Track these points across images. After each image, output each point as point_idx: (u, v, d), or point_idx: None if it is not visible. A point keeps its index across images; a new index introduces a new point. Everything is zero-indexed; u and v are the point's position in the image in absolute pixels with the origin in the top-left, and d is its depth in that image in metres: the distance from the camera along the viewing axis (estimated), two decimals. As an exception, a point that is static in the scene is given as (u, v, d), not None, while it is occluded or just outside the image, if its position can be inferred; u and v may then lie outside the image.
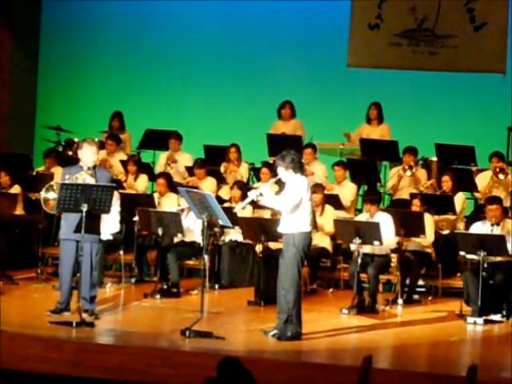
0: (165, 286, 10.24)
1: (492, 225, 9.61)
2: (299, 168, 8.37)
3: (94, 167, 8.77)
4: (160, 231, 10.13)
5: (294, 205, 8.21)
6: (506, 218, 9.94)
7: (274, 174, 8.84)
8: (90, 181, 8.58)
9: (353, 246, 9.72)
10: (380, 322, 9.38)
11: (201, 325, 8.32)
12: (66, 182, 8.49)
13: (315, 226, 10.44)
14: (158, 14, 14.56)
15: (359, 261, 9.64)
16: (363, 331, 8.94)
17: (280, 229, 8.38)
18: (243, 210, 10.35)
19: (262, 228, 9.99)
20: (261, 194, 8.30)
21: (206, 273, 10.18)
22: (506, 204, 11.06)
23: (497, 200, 9.84)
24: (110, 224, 10.28)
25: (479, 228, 9.71)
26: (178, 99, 14.40)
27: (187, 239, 10.48)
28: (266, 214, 10.49)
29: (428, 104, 13.63)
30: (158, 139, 12.83)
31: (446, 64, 13.69)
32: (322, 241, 10.73)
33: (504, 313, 9.47)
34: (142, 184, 11.98)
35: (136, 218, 10.55)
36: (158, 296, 10.02)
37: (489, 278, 9.39)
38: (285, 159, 8.27)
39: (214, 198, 8.69)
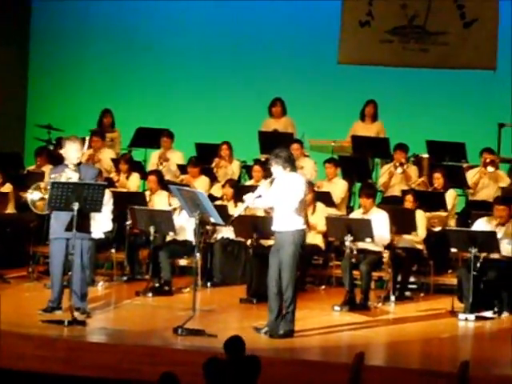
0: (157, 284, 10.23)
1: (497, 225, 9.56)
2: (294, 166, 8.38)
3: (79, 164, 8.74)
4: (152, 229, 10.12)
5: (298, 204, 8.20)
6: None
7: (266, 171, 8.83)
8: (75, 178, 8.54)
9: (347, 243, 9.72)
10: (372, 318, 9.39)
11: (193, 323, 8.32)
12: (56, 180, 8.46)
13: (308, 224, 10.45)
14: (149, 13, 14.53)
15: (353, 258, 9.64)
16: (355, 328, 8.95)
17: (275, 227, 8.37)
18: (235, 208, 10.35)
19: (255, 225, 9.99)
20: (259, 197, 8.28)
21: (198, 271, 10.17)
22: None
23: (506, 201, 9.70)
24: (102, 222, 10.26)
25: (483, 225, 9.67)
26: (170, 97, 14.38)
27: (179, 237, 10.48)
28: (259, 212, 10.49)
29: (419, 101, 13.65)
30: (149, 137, 12.81)
31: (437, 61, 13.72)
32: (314, 238, 10.73)
33: (495, 309, 9.49)
34: (133, 182, 11.97)
35: (129, 222, 10.55)
36: (150, 294, 10.01)
37: (482, 274, 9.40)
38: (281, 157, 8.24)
39: (206, 196, 8.69)
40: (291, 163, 8.27)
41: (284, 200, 8.23)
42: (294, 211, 8.21)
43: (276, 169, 8.29)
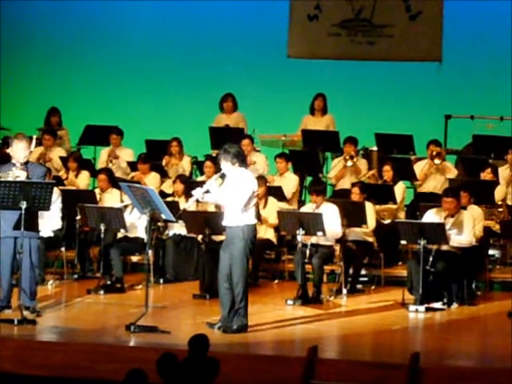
0: (108, 282, 10.18)
1: (446, 217, 9.63)
2: (244, 161, 8.38)
3: (27, 163, 8.64)
4: (102, 227, 10.05)
5: (247, 200, 8.20)
6: (470, 204, 9.96)
7: (217, 167, 8.81)
8: (23, 177, 8.44)
9: (299, 238, 9.75)
10: (325, 312, 9.43)
11: (146, 319, 8.28)
12: (3, 179, 8.36)
13: (259, 218, 10.46)
14: (97, 11, 14.42)
15: (307, 252, 9.67)
16: (308, 322, 8.99)
17: (225, 222, 8.36)
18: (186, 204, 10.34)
19: (206, 221, 9.98)
20: (207, 191, 8.28)
21: (150, 267, 10.14)
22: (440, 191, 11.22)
23: (453, 192, 9.77)
24: (51, 221, 10.19)
25: (432, 217, 9.75)
26: (118, 94, 14.29)
27: (131, 234, 10.44)
28: (210, 207, 10.47)
29: (367, 94, 13.74)
30: (98, 135, 12.73)
31: (384, 53, 13.84)
32: (266, 233, 10.76)
33: (445, 300, 9.58)
34: (83, 180, 11.88)
35: (78, 217, 10.46)
36: (102, 292, 9.96)
37: (431, 266, 9.49)
38: (229, 153, 8.24)
39: (157, 193, 8.65)
40: (240, 159, 8.27)
41: (233, 196, 8.23)
42: (243, 206, 8.21)
43: (225, 164, 8.29)
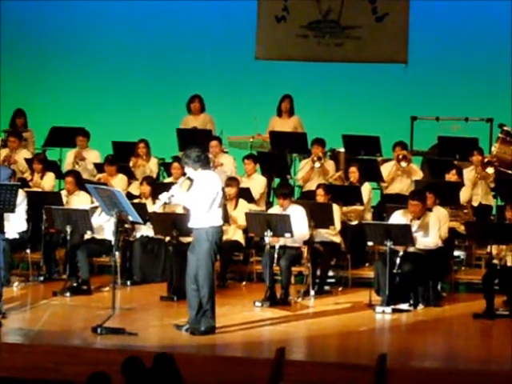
0: (74, 284, 10.12)
1: (412, 219, 9.68)
2: (207, 163, 8.38)
3: (-8, 165, 8.59)
4: (68, 229, 10.00)
5: (210, 202, 8.20)
6: (436, 206, 10.04)
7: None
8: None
9: (267, 239, 9.76)
10: (292, 313, 9.44)
11: (113, 321, 8.26)
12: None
13: (227, 219, 10.47)
14: (63, 13, 14.33)
15: (275, 254, 9.68)
16: (276, 323, 9.00)
17: (191, 224, 8.36)
18: (153, 206, 10.31)
19: (174, 223, 9.95)
20: (172, 196, 8.27)
21: (118, 269, 10.11)
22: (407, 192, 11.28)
23: (419, 195, 9.82)
24: (16, 223, 10.11)
25: (398, 218, 9.80)
26: (85, 95, 14.21)
27: (98, 236, 10.39)
28: (179, 209, 10.46)
29: (334, 95, 13.79)
30: (64, 136, 12.66)
31: (351, 55, 13.91)
32: (235, 234, 10.75)
33: (411, 302, 9.64)
34: (48, 182, 11.81)
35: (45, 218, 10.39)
36: (68, 294, 9.91)
37: (398, 267, 9.53)
38: (190, 157, 8.24)
39: (124, 195, 8.63)
40: (201, 162, 8.26)
41: (197, 198, 8.23)
42: (208, 208, 8.21)
43: (188, 170, 8.33)
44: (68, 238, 10.07)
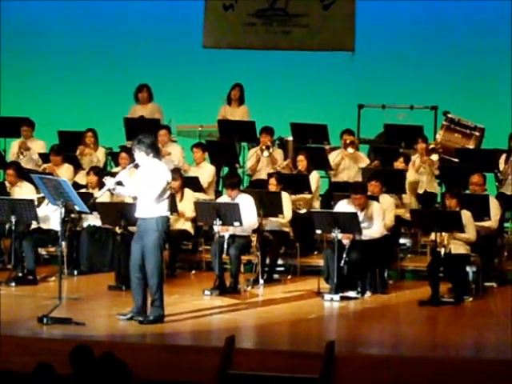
0: (20, 274, 10.02)
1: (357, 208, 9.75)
2: (158, 152, 8.34)
3: None
4: (13, 219, 9.89)
5: (161, 192, 8.15)
6: (382, 194, 10.11)
7: (132, 158, 8.74)
8: None
9: (216, 228, 9.74)
10: (242, 302, 9.46)
11: (60, 311, 8.20)
12: None
13: (176, 210, 10.43)
14: (11, 6, 14.08)
15: (225, 245, 9.67)
16: (226, 312, 9.01)
17: (138, 214, 8.31)
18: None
19: (122, 212, 9.88)
20: (118, 183, 8.20)
21: (64, 259, 10.02)
22: (357, 180, 11.34)
23: (361, 188, 9.89)
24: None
25: (344, 207, 9.85)
26: (29, 84, 14.02)
27: (44, 226, 10.30)
28: (127, 198, 10.38)
29: (283, 83, 13.80)
30: (8, 126, 12.48)
31: (299, 43, 13.94)
32: (183, 224, 10.72)
33: (359, 289, 9.71)
34: (-8, 173, 11.65)
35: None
36: (13, 284, 9.82)
37: (346, 255, 9.59)
38: (144, 143, 8.19)
39: (70, 184, 8.55)
40: (154, 149, 8.24)
41: (147, 187, 8.18)
42: (157, 198, 8.16)
43: (139, 155, 8.25)
44: (13, 228, 9.95)
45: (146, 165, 8.26)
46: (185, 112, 13.18)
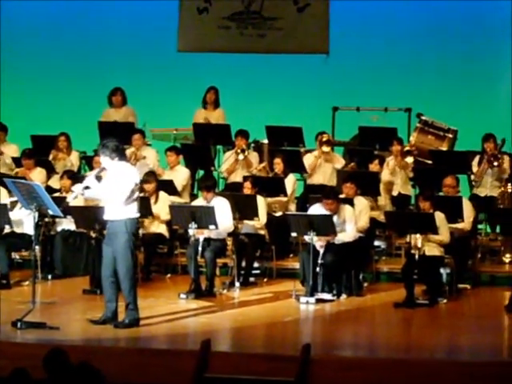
0: (-7, 278, 9.96)
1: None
2: (124, 155, 8.36)
3: None
4: (-15, 223, 9.83)
5: (128, 194, 8.14)
6: (357, 196, 10.15)
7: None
8: None
9: (191, 231, 9.73)
10: (218, 305, 9.45)
11: (34, 315, 8.15)
12: None
13: (151, 213, 10.40)
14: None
15: (200, 248, 9.65)
16: (201, 315, 8.99)
17: (107, 216, 8.29)
18: (75, 199, 10.16)
19: (96, 216, 9.83)
20: (86, 187, 8.19)
21: (38, 263, 9.98)
22: (332, 182, 11.36)
23: (333, 193, 9.89)
24: None
25: (317, 210, 9.84)
26: (2, 88, 13.90)
27: (18, 230, 10.26)
28: (102, 202, 10.33)
29: (258, 86, 13.80)
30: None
31: (274, 46, 13.97)
32: (158, 227, 10.69)
33: (334, 292, 9.73)
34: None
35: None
36: (-14, 288, 9.74)
37: (321, 258, 9.59)
38: (108, 148, 8.20)
39: (43, 188, 8.52)
40: (119, 153, 8.24)
41: (114, 189, 8.16)
42: (125, 200, 8.15)
43: (104, 159, 8.27)
44: (-14, 232, 9.90)
45: (111, 168, 8.27)
46: (160, 115, 13.16)
